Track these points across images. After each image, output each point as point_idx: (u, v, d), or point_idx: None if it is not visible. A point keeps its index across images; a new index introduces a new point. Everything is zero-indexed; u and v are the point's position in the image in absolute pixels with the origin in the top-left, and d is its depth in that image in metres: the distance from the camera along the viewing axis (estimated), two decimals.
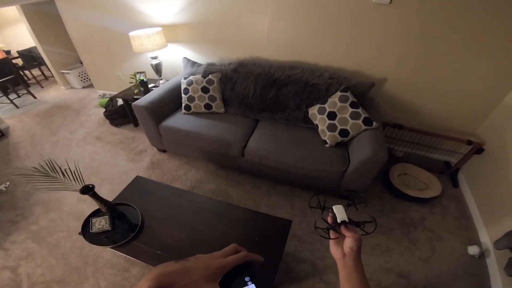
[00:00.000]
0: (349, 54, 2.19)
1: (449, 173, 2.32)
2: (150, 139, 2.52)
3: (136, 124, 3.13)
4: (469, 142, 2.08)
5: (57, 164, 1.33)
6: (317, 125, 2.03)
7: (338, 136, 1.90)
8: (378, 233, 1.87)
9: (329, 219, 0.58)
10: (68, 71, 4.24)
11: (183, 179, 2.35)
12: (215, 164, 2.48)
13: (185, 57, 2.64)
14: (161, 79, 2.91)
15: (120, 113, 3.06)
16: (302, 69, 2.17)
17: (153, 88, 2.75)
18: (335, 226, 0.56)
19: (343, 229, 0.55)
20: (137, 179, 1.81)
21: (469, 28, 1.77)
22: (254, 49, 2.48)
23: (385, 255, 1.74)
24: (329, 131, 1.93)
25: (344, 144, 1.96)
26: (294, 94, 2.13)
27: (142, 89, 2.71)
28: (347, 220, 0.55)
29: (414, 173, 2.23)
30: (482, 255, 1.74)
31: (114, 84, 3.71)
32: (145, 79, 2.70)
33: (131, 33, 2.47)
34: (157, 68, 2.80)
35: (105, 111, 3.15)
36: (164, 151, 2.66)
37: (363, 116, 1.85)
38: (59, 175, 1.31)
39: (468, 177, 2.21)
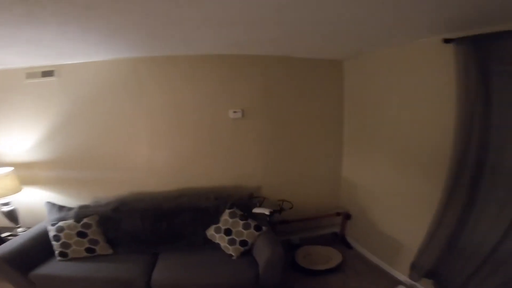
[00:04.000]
0: (225, 171, 2.41)
1: (339, 241, 2.73)
2: None
3: None
4: (338, 214, 2.61)
5: None
6: (218, 243, 2.05)
7: (240, 247, 1.98)
8: None
9: None
10: None
11: None
12: None
13: (48, 202, 2.18)
14: (19, 227, 2.24)
15: None
16: (189, 196, 2.25)
17: (10, 238, 2.07)
18: None
19: None
20: None
21: (298, 128, 2.42)
22: (134, 184, 2.33)
23: None
24: (230, 245, 1.99)
25: (248, 251, 2.02)
26: (188, 222, 2.14)
27: None
28: None
29: (315, 251, 2.50)
30: None
31: None
32: None
33: None
34: (12, 216, 2.18)
35: None
36: None
37: (252, 225, 2.05)
38: None
39: (354, 238, 2.66)
